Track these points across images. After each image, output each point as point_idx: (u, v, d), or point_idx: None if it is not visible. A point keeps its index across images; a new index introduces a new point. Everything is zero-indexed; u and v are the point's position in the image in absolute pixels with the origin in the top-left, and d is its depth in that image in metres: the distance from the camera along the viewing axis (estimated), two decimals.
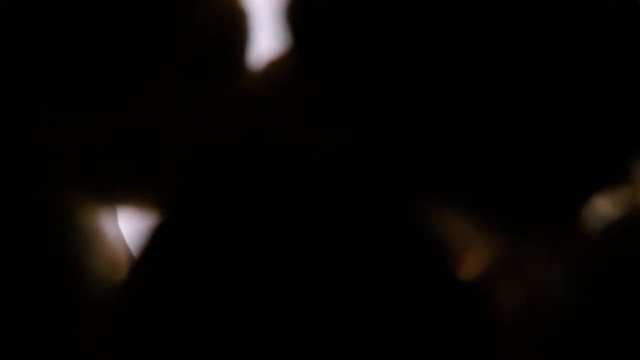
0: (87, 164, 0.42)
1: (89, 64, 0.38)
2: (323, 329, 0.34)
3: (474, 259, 0.39)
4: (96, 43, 0.38)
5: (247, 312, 0.35)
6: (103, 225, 0.43)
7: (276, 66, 0.43)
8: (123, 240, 0.45)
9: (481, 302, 0.37)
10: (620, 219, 0.39)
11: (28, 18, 0.38)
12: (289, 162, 0.38)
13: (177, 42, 0.40)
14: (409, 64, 0.35)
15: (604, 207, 0.39)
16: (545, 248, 0.39)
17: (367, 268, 0.36)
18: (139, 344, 0.36)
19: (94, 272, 0.41)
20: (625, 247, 0.38)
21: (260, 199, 0.37)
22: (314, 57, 0.39)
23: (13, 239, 0.40)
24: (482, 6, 0.33)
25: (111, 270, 0.42)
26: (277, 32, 0.41)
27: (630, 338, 0.35)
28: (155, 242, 0.39)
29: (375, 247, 0.36)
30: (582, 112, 0.35)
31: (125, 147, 0.42)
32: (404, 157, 0.37)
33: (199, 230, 0.38)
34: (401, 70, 0.35)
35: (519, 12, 0.34)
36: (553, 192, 0.37)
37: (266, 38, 0.48)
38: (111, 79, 0.39)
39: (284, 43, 0.42)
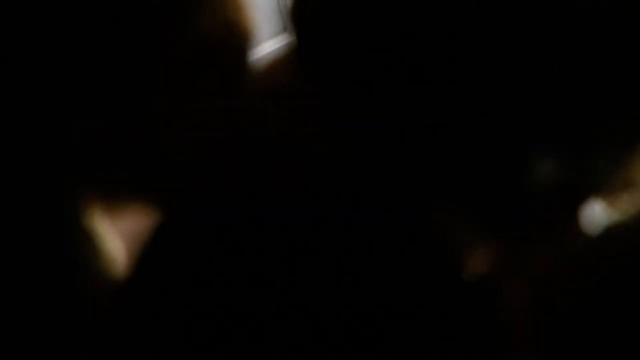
0: (89, 164, 0.42)
1: (94, 64, 0.38)
2: (327, 329, 0.34)
3: (478, 258, 0.39)
4: (102, 43, 0.38)
5: (247, 311, 0.35)
6: (103, 225, 0.43)
7: (277, 66, 0.43)
8: (122, 239, 0.45)
9: (486, 301, 0.38)
10: (620, 220, 0.39)
11: (43, 24, 0.38)
12: (291, 160, 0.38)
13: (179, 43, 0.40)
14: (412, 65, 0.35)
15: (603, 208, 0.39)
16: (547, 248, 0.39)
17: (371, 267, 0.36)
18: (138, 341, 0.36)
19: (93, 270, 0.41)
20: (625, 247, 0.38)
21: (260, 198, 0.37)
22: (315, 57, 0.39)
23: (16, 237, 0.40)
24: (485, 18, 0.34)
25: (110, 268, 0.42)
26: (279, 32, 0.41)
27: (631, 337, 0.35)
28: (155, 242, 0.39)
29: (380, 246, 0.36)
30: (576, 118, 0.35)
31: (127, 147, 0.41)
32: (407, 157, 0.37)
33: (198, 230, 0.38)
34: (403, 72, 0.35)
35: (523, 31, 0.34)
36: (552, 193, 0.37)
37: (268, 38, 0.48)
38: (115, 80, 0.39)
39: (286, 43, 0.42)
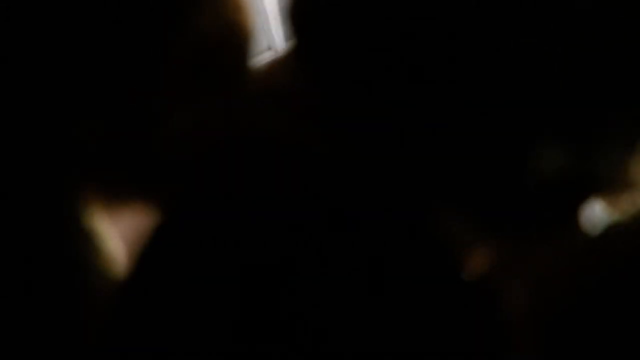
0: (89, 164, 0.42)
1: (94, 64, 0.38)
2: (327, 329, 0.34)
3: (478, 258, 0.39)
4: (102, 43, 0.38)
5: (247, 311, 0.35)
6: (103, 225, 0.43)
7: (277, 66, 0.43)
8: (122, 239, 0.45)
9: (486, 301, 0.38)
10: (620, 220, 0.39)
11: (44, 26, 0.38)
12: (290, 160, 0.38)
13: (180, 43, 0.40)
14: (412, 65, 0.35)
15: (603, 208, 0.39)
16: (547, 248, 0.39)
17: (371, 268, 0.36)
18: (138, 341, 0.36)
19: (93, 270, 0.41)
20: (625, 246, 0.38)
21: (260, 198, 0.37)
22: (315, 57, 0.39)
23: (16, 237, 0.40)
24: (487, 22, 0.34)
25: (110, 268, 0.42)
26: (279, 32, 0.41)
27: (631, 337, 0.35)
28: (155, 242, 0.39)
29: (380, 247, 0.36)
30: (575, 119, 0.35)
31: (127, 147, 0.41)
32: (407, 157, 0.37)
33: (198, 230, 0.38)
34: (403, 72, 0.35)
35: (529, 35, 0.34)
36: (552, 193, 0.37)
37: (268, 38, 0.48)
38: (115, 80, 0.39)
39: (286, 43, 0.42)
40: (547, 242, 0.40)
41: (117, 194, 0.45)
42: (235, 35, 0.43)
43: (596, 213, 0.39)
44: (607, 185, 0.39)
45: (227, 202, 0.38)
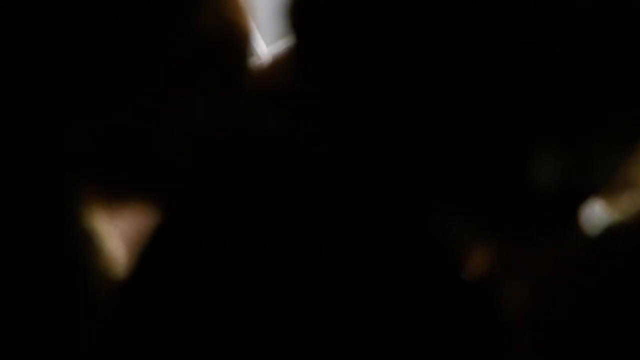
0: (89, 164, 0.42)
1: (95, 65, 0.38)
2: (326, 329, 0.34)
3: (478, 258, 0.39)
4: (102, 43, 0.38)
5: (246, 312, 0.35)
6: (103, 225, 0.43)
7: (277, 66, 0.43)
8: (122, 239, 0.45)
9: (486, 301, 0.38)
10: (620, 220, 0.39)
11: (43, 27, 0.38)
12: (290, 160, 0.38)
13: (179, 43, 0.40)
14: (412, 65, 0.35)
15: (604, 208, 0.39)
16: (547, 248, 0.39)
17: (371, 268, 0.36)
18: (138, 341, 0.36)
19: (93, 270, 0.41)
20: (625, 246, 0.38)
21: (260, 198, 0.37)
22: (315, 57, 0.39)
23: (16, 237, 0.40)
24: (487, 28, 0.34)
25: (110, 268, 0.42)
26: (278, 32, 0.41)
27: (631, 337, 0.35)
28: (155, 242, 0.39)
29: (380, 247, 0.36)
30: (574, 118, 0.35)
31: (127, 147, 0.41)
32: (407, 157, 0.37)
33: (198, 230, 0.38)
34: (403, 72, 0.35)
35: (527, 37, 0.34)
36: (552, 193, 0.37)
37: (267, 38, 0.48)
38: (115, 79, 0.39)
39: (285, 43, 0.42)
40: (547, 242, 0.40)
41: (117, 194, 0.45)
42: (235, 36, 0.43)
43: (596, 213, 0.39)
44: (607, 185, 0.39)
45: (227, 202, 0.38)
